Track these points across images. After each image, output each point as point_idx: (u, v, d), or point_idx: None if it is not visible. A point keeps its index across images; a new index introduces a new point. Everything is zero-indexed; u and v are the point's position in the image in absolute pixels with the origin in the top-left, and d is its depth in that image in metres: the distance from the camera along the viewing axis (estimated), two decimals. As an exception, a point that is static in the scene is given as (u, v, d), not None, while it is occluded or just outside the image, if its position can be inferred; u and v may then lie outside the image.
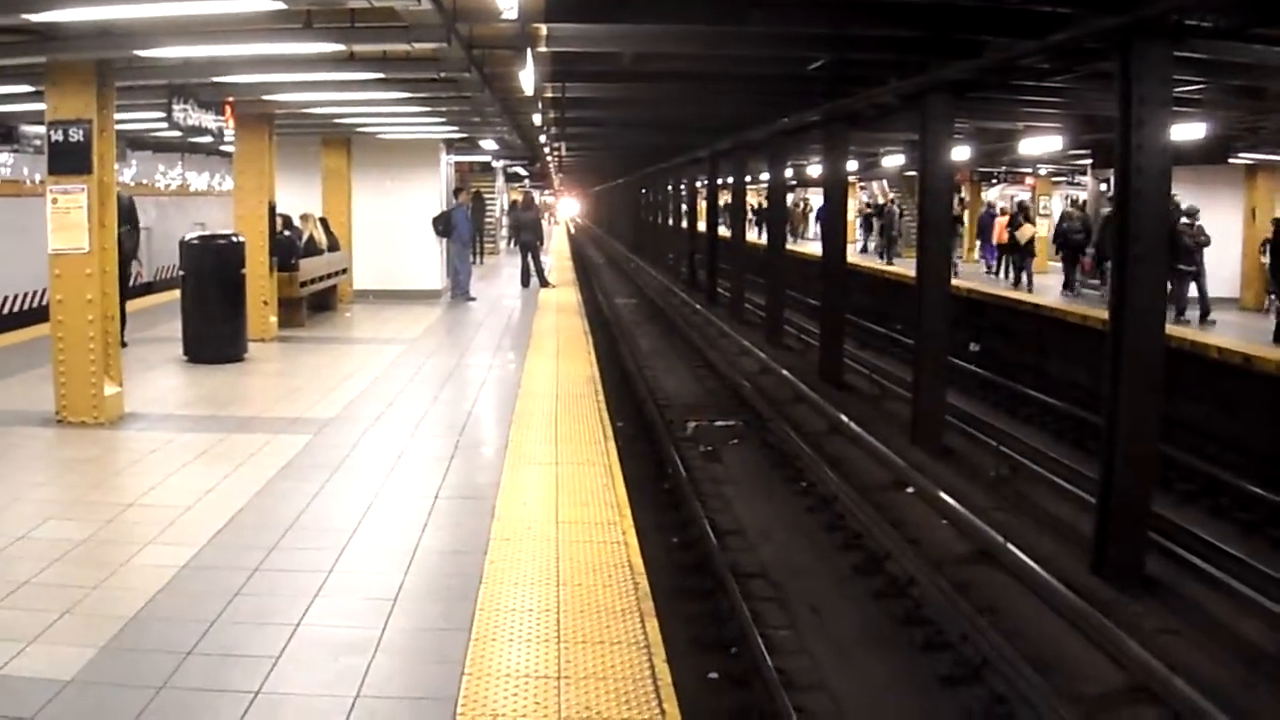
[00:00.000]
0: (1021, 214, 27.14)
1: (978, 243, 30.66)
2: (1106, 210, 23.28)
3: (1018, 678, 8.24)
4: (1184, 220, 19.11)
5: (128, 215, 14.89)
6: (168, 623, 5.57)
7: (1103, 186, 25.14)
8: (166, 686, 4.86)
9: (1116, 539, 10.43)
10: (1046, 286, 25.14)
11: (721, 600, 9.85)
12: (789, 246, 28.99)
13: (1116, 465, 10.42)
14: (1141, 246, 10.26)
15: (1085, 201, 29.02)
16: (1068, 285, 24.56)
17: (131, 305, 16.26)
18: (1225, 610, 10.09)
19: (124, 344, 12.13)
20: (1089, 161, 25.67)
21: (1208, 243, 19.56)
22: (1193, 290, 19.29)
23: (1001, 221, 28.02)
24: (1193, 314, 18.97)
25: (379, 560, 6.62)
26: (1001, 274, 27.79)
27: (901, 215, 34.55)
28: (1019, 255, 25.99)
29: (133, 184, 26.05)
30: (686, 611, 9.55)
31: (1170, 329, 11.69)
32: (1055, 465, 14.47)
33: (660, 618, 5.82)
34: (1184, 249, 19.15)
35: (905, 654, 9.10)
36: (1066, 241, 25.15)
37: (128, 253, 14.32)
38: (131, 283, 18.10)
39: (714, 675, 8.52)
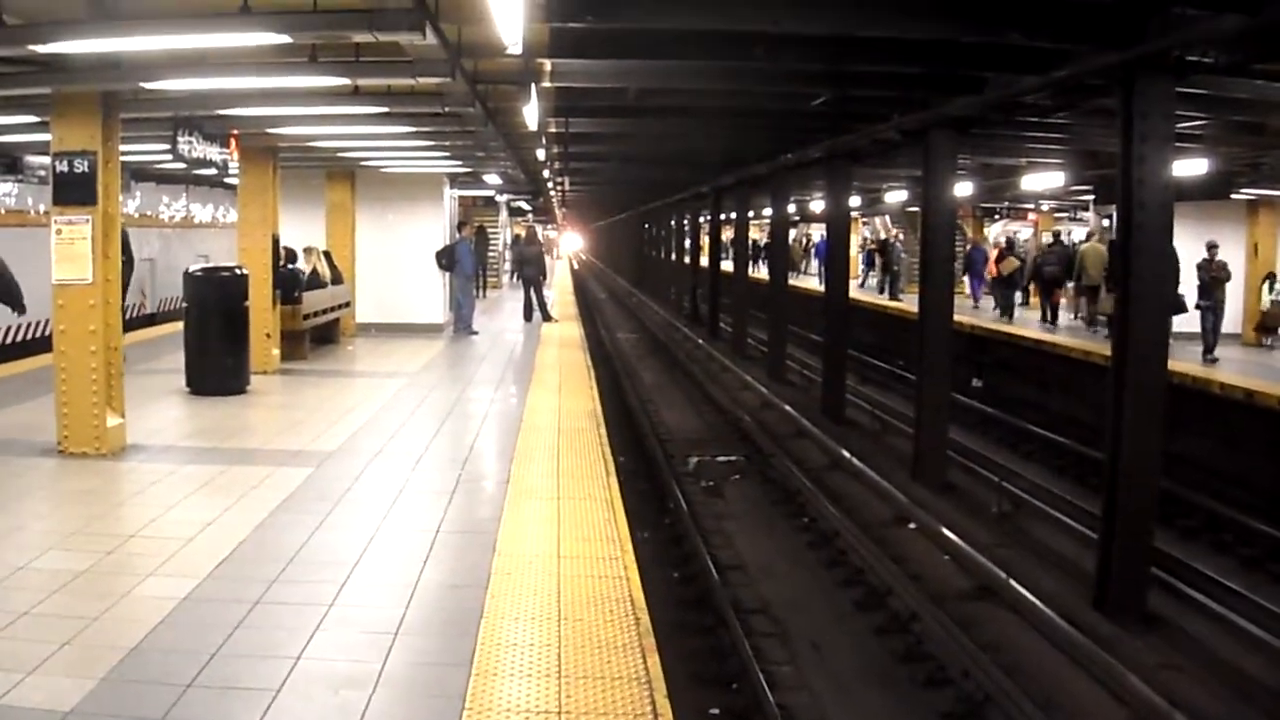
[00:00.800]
0: (1008, 248, 28.08)
1: (965, 278, 31.07)
2: (1083, 243, 23.85)
3: (1019, 714, 8.20)
4: (1203, 255, 19.21)
5: (122, 247, 14.98)
6: (168, 654, 5.55)
7: (1105, 222, 25.20)
8: (166, 719, 4.84)
9: (1118, 574, 10.39)
10: (1030, 319, 25.90)
11: (723, 635, 9.81)
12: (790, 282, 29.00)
13: (1119, 500, 10.38)
14: (1143, 282, 10.27)
15: (1064, 234, 30.18)
16: (1044, 317, 25.58)
17: (134, 336, 16.31)
18: (1227, 646, 10.04)
19: None
20: (1091, 197, 25.73)
21: (1228, 277, 19.56)
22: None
23: (993, 256, 28.78)
24: (1194, 349, 18.96)
25: (380, 594, 6.60)
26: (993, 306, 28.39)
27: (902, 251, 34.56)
28: (1003, 287, 26.76)
29: (136, 215, 26.11)
30: (687, 647, 9.52)
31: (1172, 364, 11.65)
32: (1058, 501, 14.42)
33: (661, 653, 5.80)
34: (1203, 285, 19.21)
35: (907, 690, 9.07)
36: (1040, 274, 26.14)
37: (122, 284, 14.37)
38: (134, 314, 18.14)
39: (715, 711, 8.49)
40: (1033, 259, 27.35)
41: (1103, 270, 22.48)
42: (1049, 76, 11.42)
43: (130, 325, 15.00)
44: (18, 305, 15.14)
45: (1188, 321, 18.49)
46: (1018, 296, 28.11)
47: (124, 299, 14.60)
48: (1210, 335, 19.04)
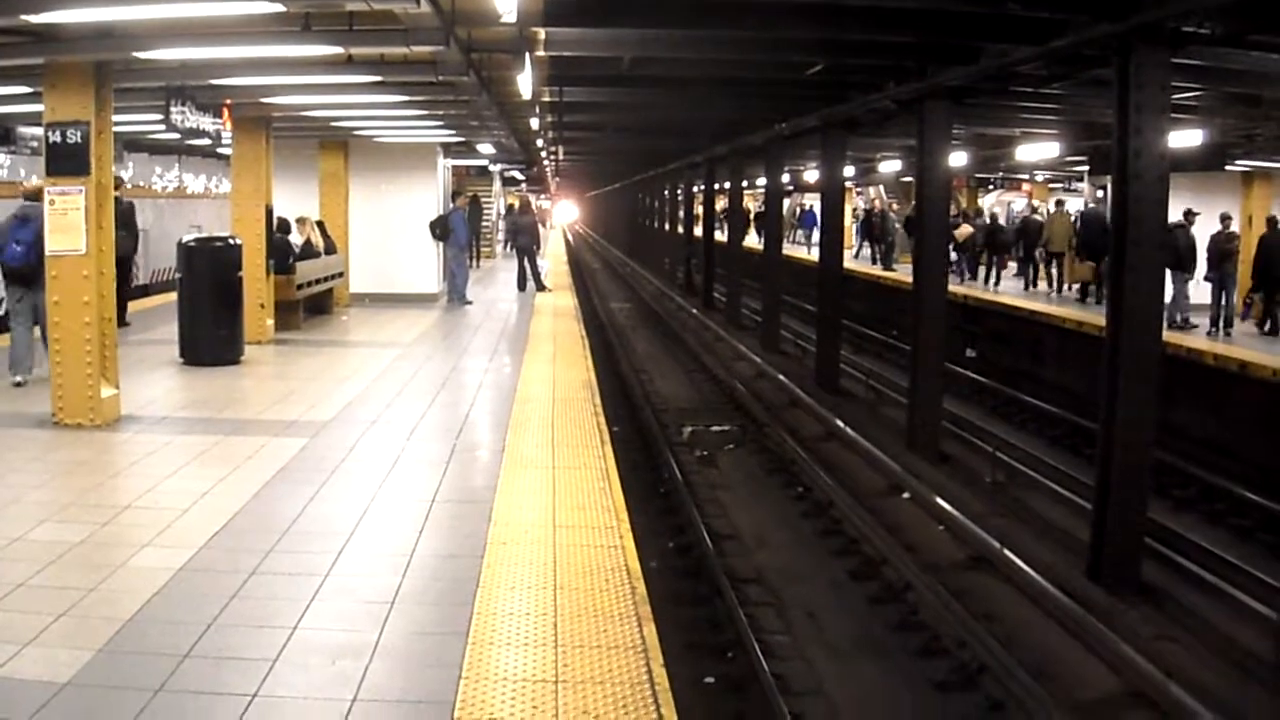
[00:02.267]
0: (960, 215, 29.27)
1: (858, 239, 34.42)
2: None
3: (1014, 683, 8.23)
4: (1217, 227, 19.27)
5: (125, 220, 14.97)
6: (164, 625, 5.56)
7: (1099, 193, 25.22)
8: (163, 689, 4.85)
9: (1113, 545, 10.42)
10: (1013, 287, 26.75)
11: (717, 605, 9.84)
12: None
13: (1113, 471, 10.40)
14: (1139, 253, 10.26)
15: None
16: (986, 279, 27.59)
17: (127, 307, 16.28)
18: (1221, 616, 10.08)
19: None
20: (1086, 168, 25.73)
21: (1237, 250, 19.52)
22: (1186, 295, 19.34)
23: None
24: (1202, 319, 18.94)
25: (376, 564, 6.62)
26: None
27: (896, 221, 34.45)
28: (958, 253, 28.10)
29: (129, 186, 26.02)
30: (682, 616, 9.54)
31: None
32: (1051, 471, 14.45)
33: (656, 622, 5.82)
34: (1211, 257, 19.19)
35: (902, 659, 9.10)
36: (992, 241, 27.99)
37: (124, 257, 14.38)
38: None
39: (710, 680, 8.51)
40: (986, 228, 28.96)
41: (1069, 239, 24.04)
42: (1045, 47, 11.40)
43: (128, 296, 14.94)
44: None
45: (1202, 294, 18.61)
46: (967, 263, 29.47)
47: (131, 271, 14.71)
48: (1218, 309, 18.93)
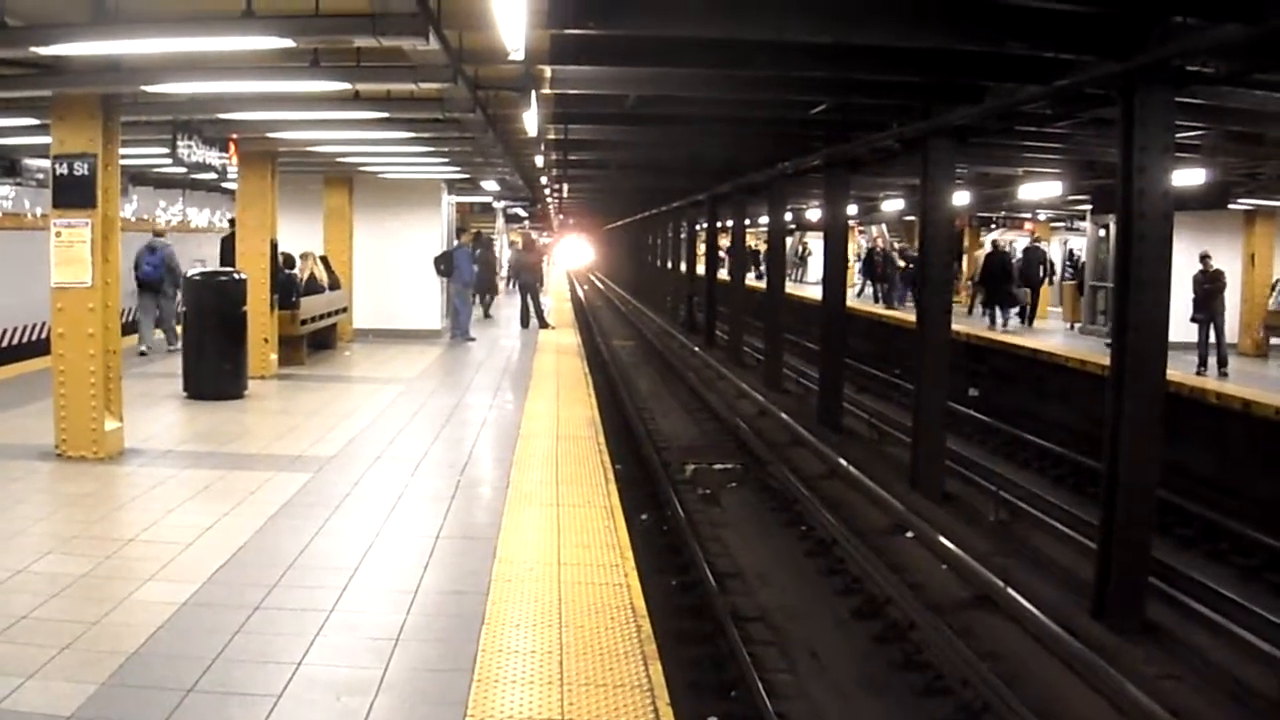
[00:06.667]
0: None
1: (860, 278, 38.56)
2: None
3: (1020, 724, 8.20)
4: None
5: (167, 265, 17.64)
6: (168, 660, 5.53)
7: (1101, 232, 25.25)
8: (167, 724, 4.83)
9: (1117, 583, 10.39)
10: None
11: (721, 643, 9.80)
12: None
13: (1117, 509, 10.38)
14: (1144, 291, 10.27)
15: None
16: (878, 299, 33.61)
17: (132, 340, 16.33)
18: (1226, 654, 10.04)
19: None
20: (1089, 207, 25.77)
21: (1223, 287, 19.49)
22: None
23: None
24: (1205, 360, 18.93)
25: (381, 600, 6.59)
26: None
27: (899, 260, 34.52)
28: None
29: (133, 219, 26.07)
30: (686, 655, 9.50)
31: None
32: (1055, 510, 14.42)
33: (659, 660, 5.79)
34: (1198, 299, 19.15)
35: (905, 698, 9.06)
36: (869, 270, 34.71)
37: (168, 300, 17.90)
38: (132, 318, 18.21)
39: (714, 719, 8.47)
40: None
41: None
42: (1050, 86, 11.43)
43: (129, 329, 14.96)
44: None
45: (1187, 332, 18.50)
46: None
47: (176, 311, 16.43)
48: (1205, 348, 18.89)
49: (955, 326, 17.43)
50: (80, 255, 9.93)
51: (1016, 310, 26.32)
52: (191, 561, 7.19)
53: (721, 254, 38.28)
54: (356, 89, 11.46)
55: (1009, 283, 26.42)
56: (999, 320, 25.80)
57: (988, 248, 29.09)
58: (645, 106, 15.37)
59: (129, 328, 15.22)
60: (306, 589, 6.73)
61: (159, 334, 18.24)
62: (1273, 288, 23.09)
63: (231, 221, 18.54)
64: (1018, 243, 33.79)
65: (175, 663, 5.49)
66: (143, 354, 17.10)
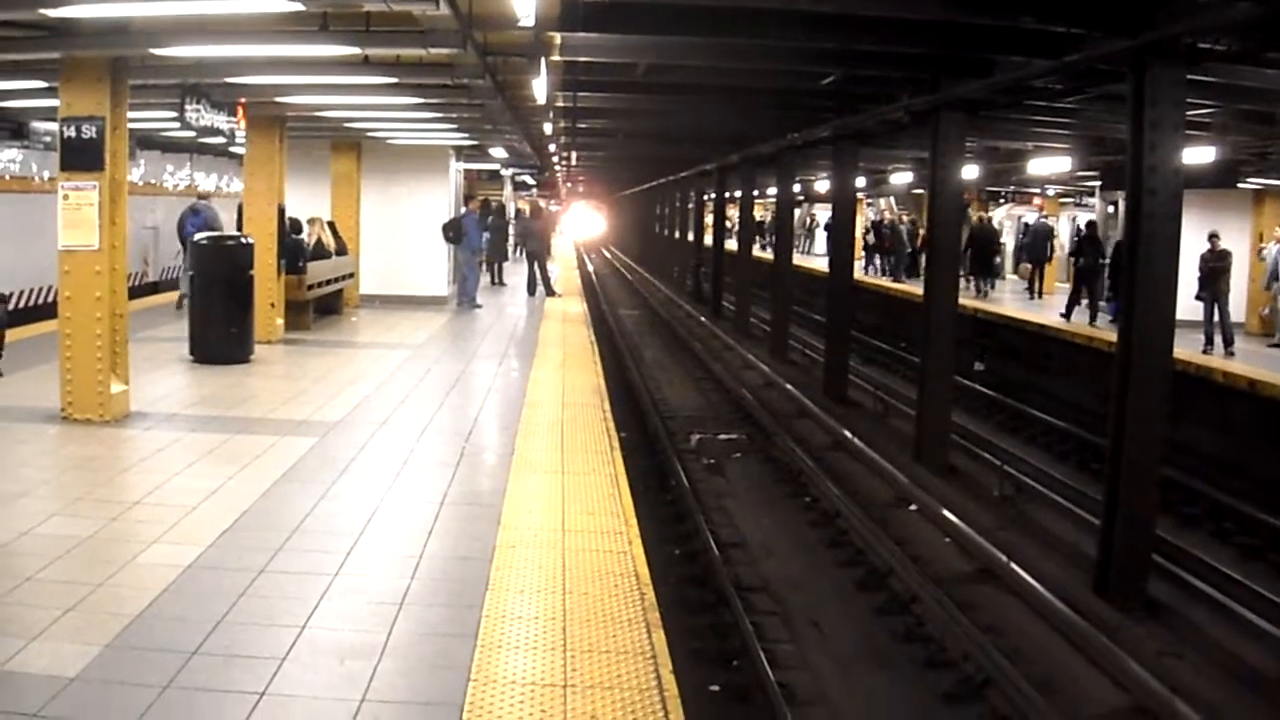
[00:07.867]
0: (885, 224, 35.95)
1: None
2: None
3: (1019, 697, 8.21)
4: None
5: (210, 225, 17.04)
6: (172, 622, 5.56)
7: (1110, 208, 25.19)
8: (171, 686, 4.86)
9: (1120, 560, 10.40)
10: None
11: (723, 613, 9.82)
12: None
13: (1121, 486, 10.38)
14: (1152, 269, 10.24)
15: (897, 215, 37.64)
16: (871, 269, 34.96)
17: (138, 304, 16.34)
18: (1227, 633, 10.05)
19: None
20: (1098, 183, 25.71)
21: (1228, 267, 19.44)
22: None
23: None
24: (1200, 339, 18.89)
25: (385, 564, 6.62)
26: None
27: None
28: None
29: (140, 183, 26.02)
30: (688, 624, 9.52)
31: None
32: (1059, 485, 14.42)
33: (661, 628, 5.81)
34: (1202, 277, 19.13)
35: (907, 671, 9.07)
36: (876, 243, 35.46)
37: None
38: (138, 282, 18.24)
39: (716, 688, 8.50)
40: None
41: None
42: (1060, 61, 11.39)
43: (135, 292, 14.97)
44: None
45: (1194, 310, 18.48)
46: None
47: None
48: (1210, 326, 18.87)
49: (960, 300, 17.40)
50: (88, 218, 9.91)
51: (992, 281, 29.45)
52: (196, 525, 7.22)
53: (729, 225, 38.24)
54: (366, 54, 11.44)
55: (992, 254, 29.45)
56: (983, 288, 28.56)
57: (974, 221, 30.26)
58: (655, 75, 15.35)
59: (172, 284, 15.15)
60: (311, 553, 6.75)
61: None
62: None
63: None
64: (1026, 218, 33.76)
65: (180, 625, 5.51)
66: (180, 306, 17.33)
